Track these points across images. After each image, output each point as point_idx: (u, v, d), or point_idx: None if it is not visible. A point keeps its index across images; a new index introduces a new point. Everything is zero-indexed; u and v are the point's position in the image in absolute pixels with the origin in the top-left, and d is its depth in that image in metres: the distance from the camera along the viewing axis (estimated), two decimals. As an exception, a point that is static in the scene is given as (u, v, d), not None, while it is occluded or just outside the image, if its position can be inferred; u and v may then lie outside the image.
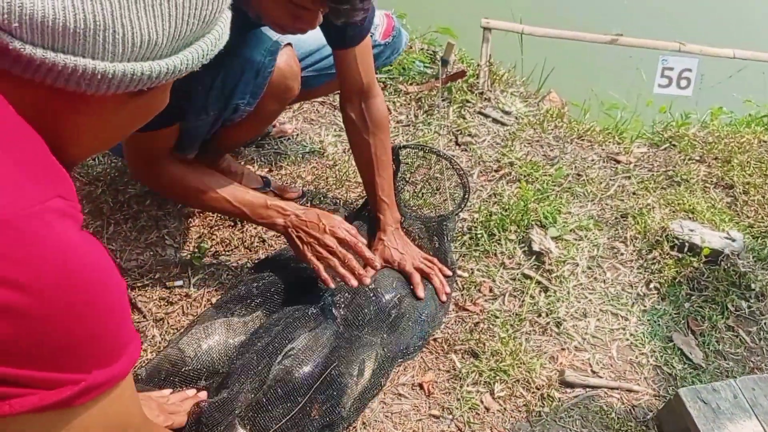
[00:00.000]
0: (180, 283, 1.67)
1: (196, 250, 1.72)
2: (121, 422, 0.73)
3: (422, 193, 2.02)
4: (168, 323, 1.57)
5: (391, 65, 2.50)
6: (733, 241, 1.86)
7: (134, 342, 0.69)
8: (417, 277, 1.68)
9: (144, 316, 1.58)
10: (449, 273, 1.75)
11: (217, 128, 1.58)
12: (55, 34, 0.61)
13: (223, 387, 1.36)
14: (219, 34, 0.75)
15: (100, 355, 0.65)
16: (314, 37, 1.71)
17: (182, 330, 1.54)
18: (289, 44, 1.50)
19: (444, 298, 1.69)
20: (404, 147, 2.09)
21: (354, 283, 1.47)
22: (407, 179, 2.06)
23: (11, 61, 0.62)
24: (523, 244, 1.91)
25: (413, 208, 1.96)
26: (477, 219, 1.97)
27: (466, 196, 1.99)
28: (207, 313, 1.57)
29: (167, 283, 1.65)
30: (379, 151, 1.70)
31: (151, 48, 0.66)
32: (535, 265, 1.87)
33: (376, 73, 1.84)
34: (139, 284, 1.64)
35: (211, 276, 1.69)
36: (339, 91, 1.72)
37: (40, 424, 0.65)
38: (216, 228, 1.79)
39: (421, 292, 1.66)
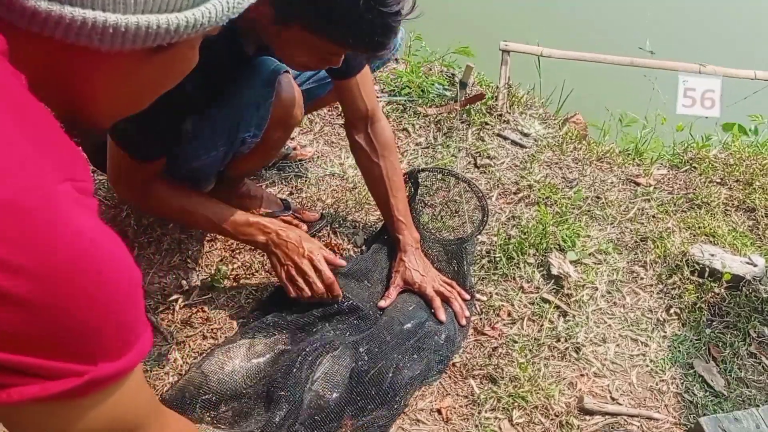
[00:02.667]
0: (202, 306, 1.69)
1: (217, 273, 1.74)
2: (128, 416, 0.69)
3: (441, 216, 2.04)
4: (189, 346, 1.59)
5: (411, 88, 2.53)
6: (755, 266, 1.85)
7: (145, 334, 0.65)
8: (438, 301, 1.69)
9: (165, 339, 1.60)
10: (467, 297, 1.76)
11: (229, 160, 1.61)
12: None
13: (253, 416, 1.39)
14: None
15: (107, 346, 0.61)
16: None
17: (205, 353, 1.56)
18: (287, 71, 1.52)
19: (464, 322, 1.70)
20: (423, 170, 2.11)
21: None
22: (426, 202, 2.07)
23: (18, 15, 0.58)
24: (542, 268, 1.91)
25: (432, 231, 1.97)
26: (496, 242, 1.97)
27: (485, 219, 2.00)
28: (229, 336, 1.59)
29: (189, 307, 1.68)
30: (391, 173, 1.73)
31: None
32: (554, 289, 1.87)
33: (376, 73, 1.87)
34: (162, 307, 1.66)
35: (232, 299, 1.72)
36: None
37: (40, 415, 0.61)
38: (237, 251, 1.81)
39: (442, 315, 1.67)
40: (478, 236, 1.96)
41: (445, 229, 2.00)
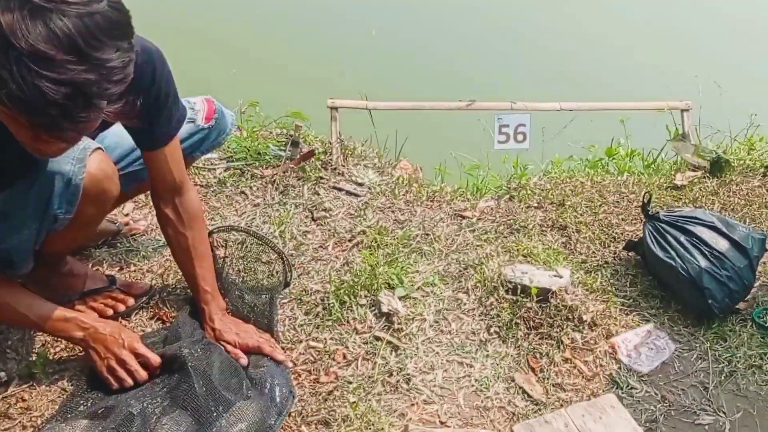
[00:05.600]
0: (21, 395, 1.65)
1: (38, 360, 1.71)
2: None
3: (250, 271, 2.07)
4: (6, 439, 1.55)
5: (248, 150, 2.62)
6: (561, 277, 2.01)
7: None
8: (267, 347, 1.77)
9: (-21, 436, 1.55)
10: (282, 358, 1.78)
11: (43, 238, 1.61)
12: None
13: None
14: None
15: None
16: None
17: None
18: (99, 148, 1.56)
19: (281, 357, 1.76)
20: (212, 232, 2.11)
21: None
22: (240, 258, 2.10)
23: None
24: (373, 308, 1.99)
25: (240, 286, 2.00)
26: (329, 289, 2.04)
27: (287, 270, 2.03)
28: (52, 423, 1.55)
29: (6, 399, 1.63)
30: (197, 243, 1.78)
31: None
32: (385, 326, 1.95)
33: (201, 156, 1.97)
34: (-25, 403, 1.61)
35: (54, 383, 1.68)
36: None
37: None
38: (60, 334, 1.78)
39: (280, 356, 1.76)
40: (289, 283, 2.03)
41: (257, 282, 2.04)
